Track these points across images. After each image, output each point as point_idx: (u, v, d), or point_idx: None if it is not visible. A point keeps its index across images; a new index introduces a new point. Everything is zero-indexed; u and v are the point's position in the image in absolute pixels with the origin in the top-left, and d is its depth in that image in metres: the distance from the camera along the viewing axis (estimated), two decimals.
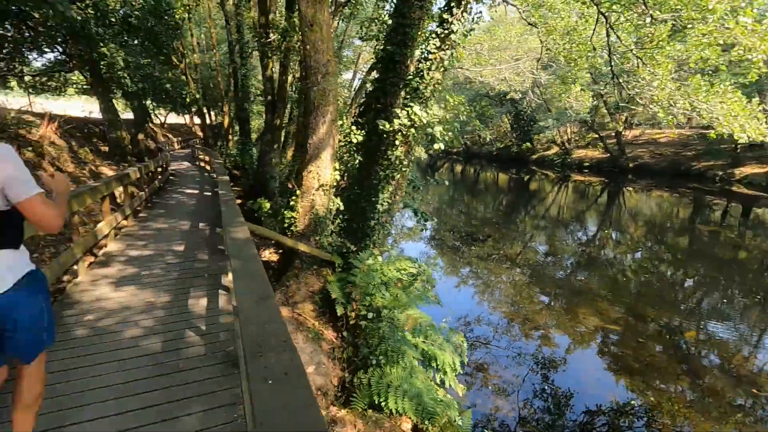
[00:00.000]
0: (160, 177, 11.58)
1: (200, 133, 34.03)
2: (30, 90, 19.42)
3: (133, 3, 14.25)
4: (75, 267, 4.68)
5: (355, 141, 6.23)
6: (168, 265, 5.06)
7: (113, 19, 13.11)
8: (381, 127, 5.45)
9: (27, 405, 1.83)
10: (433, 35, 5.43)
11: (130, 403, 2.51)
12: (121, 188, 7.21)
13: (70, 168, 10.78)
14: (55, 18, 9.81)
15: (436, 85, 5.52)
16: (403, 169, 5.75)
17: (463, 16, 5.13)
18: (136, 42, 15.25)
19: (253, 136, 20.52)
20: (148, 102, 22.98)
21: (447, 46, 5.34)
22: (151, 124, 31.98)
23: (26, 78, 19.05)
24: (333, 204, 5.74)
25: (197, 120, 35.87)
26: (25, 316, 1.72)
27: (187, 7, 14.60)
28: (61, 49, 13.09)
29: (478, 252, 12.28)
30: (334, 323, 4.96)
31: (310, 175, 5.49)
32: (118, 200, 9.30)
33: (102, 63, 12.74)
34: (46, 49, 15.00)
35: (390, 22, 6.00)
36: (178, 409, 2.46)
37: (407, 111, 5.35)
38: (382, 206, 5.60)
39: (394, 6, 5.97)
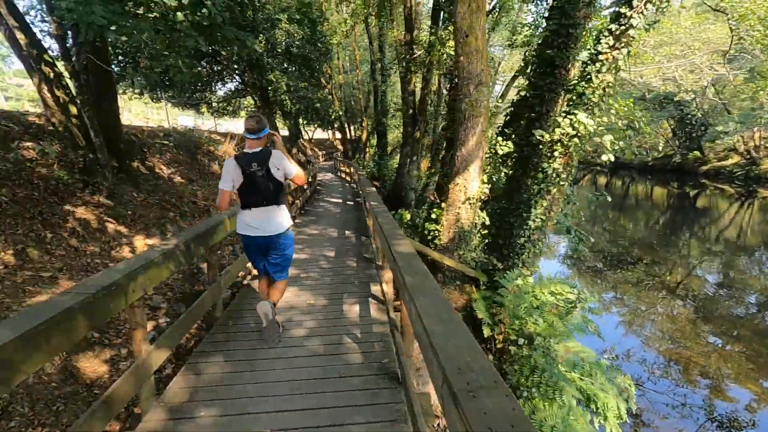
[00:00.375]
0: (310, 187, 12.87)
1: (340, 147, 37.19)
2: (214, 114, 23.89)
3: (295, 34, 16.28)
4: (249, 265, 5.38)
5: (501, 152, 5.91)
6: (322, 270, 5.45)
7: (279, 50, 15.15)
8: (538, 137, 5.03)
9: (275, 299, 3.38)
10: (605, 33, 4.81)
11: (303, 401, 2.65)
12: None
13: None
14: (241, 53, 11.79)
15: (606, 89, 4.87)
16: (561, 182, 5.20)
17: (646, 8, 4.42)
18: (294, 69, 17.48)
19: (388, 149, 21.61)
20: (301, 120, 26.24)
21: (622, 44, 4.67)
22: (301, 140, 36.32)
23: (213, 104, 23.42)
24: (478, 218, 5.50)
25: (338, 135, 39.43)
26: (290, 250, 3.43)
27: (344, 34, 15.98)
28: (240, 80, 15.65)
29: (626, 276, 10.63)
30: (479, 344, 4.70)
31: (456, 187, 5.36)
32: None
33: (269, 88, 14.87)
34: (227, 80, 18.20)
35: (547, 24, 5.55)
36: (345, 416, 2.50)
37: (570, 119, 4.82)
38: (534, 222, 5.14)
39: (552, 7, 5.50)
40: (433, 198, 6.49)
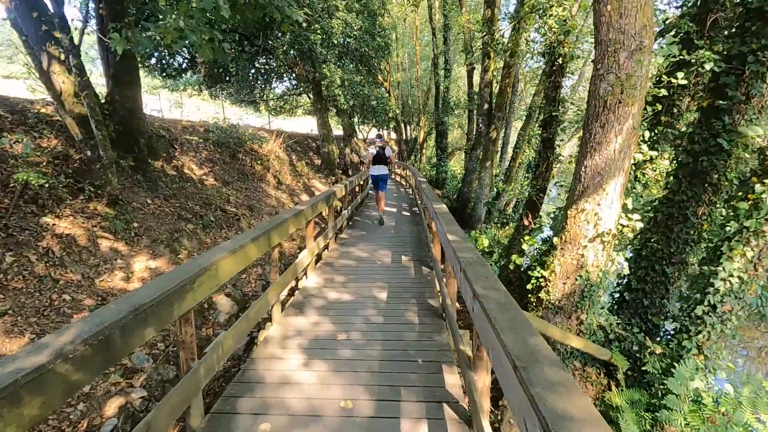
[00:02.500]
0: (361, 192, 11.29)
1: (395, 147, 35.67)
2: (271, 112, 23.26)
3: (353, 25, 14.86)
4: (269, 313, 3.82)
5: (645, 161, 3.86)
6: (368, 326, 3.75)
7: (335, 41, 13.74)
8: (738, 139, 2.97)
9: (382, 207, 8.77)
10: None
11: None
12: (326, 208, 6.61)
13: (288, 180, 11.38)
14: (284, 29, 10.52)
15: None
16: None
17: None
18: (350, 63, 16.10)
19: (448, 150, 19.62)
20: (356, 119, 24.99)
21: None
22: (355, 139, 35.22)
23: (270, 102, 22.82)
24: (614, 263, 3.54)
25: (393, 135, 37.91)
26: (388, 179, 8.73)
27: (404, 18, 14.30)
28: (291, 72, 14.45)
29: None
30: None
31: (581, 216, 3.43)
32: (324, 215, 9.11)
33: (323, 82, 13.56)
34: (284, 76, 17.22)
35: None
36: None
37: None
38: (726, 283, 3.06)
39: None
40: (528, 222, 4.56)
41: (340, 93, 13.66)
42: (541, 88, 8.92)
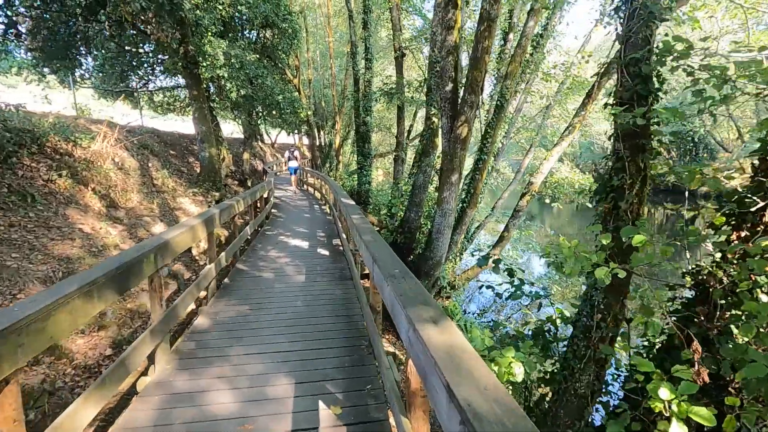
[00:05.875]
0: (256, 218, 7.56)
1: (308, 154, 31.91)
2: (158, 109, 18.08)
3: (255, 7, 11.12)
4: None
5: None
6: None
7: (219, 7, 9.82)
8: None
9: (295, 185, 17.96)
10: None
11: None
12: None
13: (134, 199, 7.21)
14: None
15: None
16: None
17: None
18: (243, 43, 12.26)
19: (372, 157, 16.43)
20: (260, 121, 20.78)
21: None
22: (261, 143, 30.62)
23: (152, 96, 17.79)
24: None
25: (306, 141, 34.02)
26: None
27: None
28: (157, 45, 10.14)
29: None
30: None
31: None
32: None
33: (201, 60, 9.57)
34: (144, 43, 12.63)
35: None
36: None
37: None
38: None
39: None
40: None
41: (226, 75, 9.74)
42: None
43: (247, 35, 14.99)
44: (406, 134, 16.61)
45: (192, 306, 4.50)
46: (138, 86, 17.11)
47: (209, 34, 9.48)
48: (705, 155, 32.71)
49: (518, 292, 3.47)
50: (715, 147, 32.74)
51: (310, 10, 25.47)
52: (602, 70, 5.59)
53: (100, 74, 15.77)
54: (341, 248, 6.73)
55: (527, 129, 15.09)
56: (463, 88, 4.92)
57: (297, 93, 19.76)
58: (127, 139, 8.88)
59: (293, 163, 18.12)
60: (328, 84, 26.65)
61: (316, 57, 28.26)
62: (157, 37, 8.33)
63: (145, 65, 15.32)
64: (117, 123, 10.30)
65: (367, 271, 3.38)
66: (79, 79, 15.61)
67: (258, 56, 11.75)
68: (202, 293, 4.38)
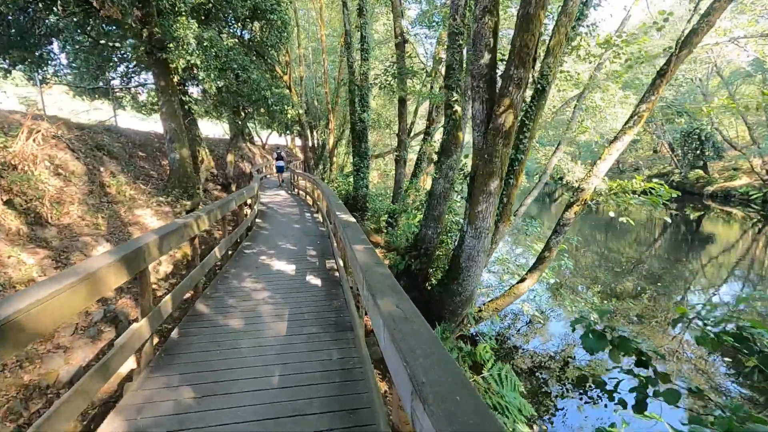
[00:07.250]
0: (230, 235, 6.04)
1: (301, 155, 30.37)
2: (142, 109, 16.44)
3: None
4: None
5: None
6: None
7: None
8: None
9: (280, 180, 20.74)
10: None
11: None
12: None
13: (71, 215, 5.67)
14: None
15: None
16: None
17: None
18: (215, 26, 10.74)
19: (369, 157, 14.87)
20: (248, 120, 19.20)
21: None
22: (249, 144, 29.00)
23: (117, 90, 16.20)
24: None
25: (298, 142, 32.38)
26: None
27: None
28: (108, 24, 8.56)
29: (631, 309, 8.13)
30: None
31: None
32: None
33: (170, 45, 8.04)
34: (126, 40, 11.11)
35: None
36: None
37: None
38: None
39: None
40: None
41: (198, 62, 8.20)
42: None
43: (233, 28, 13.52)
44: (407, 132, 15.17)
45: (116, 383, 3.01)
46: (116, 84, 15.55)
47: (180, 14, 7.95)
48: (711, 153, 31.61)
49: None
50: (722, 145, 31.66)
51: (301, 2, 24.01)
52: (684, 36, 4.17)
53: (74, 71, 14.21)
54: (337, 274, 5.25)
55: (551, 124, 13.61)
56: (507, 60, 3.48)
57: (288, 90, 18.27)
58: (79, 139, 7.35)
59: (280, 162, 20.89)
60: (320, 82, 25.14)
61: (308, 54, 26.80)
62: (107, 13, 6.77)
63: (126, 61, 13.82)
64: (67, 119, 8.73)
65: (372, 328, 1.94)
66: (49, 76, 14.04)
67: (237, 41, 10.21)
68: (124, 367, 2.88)
